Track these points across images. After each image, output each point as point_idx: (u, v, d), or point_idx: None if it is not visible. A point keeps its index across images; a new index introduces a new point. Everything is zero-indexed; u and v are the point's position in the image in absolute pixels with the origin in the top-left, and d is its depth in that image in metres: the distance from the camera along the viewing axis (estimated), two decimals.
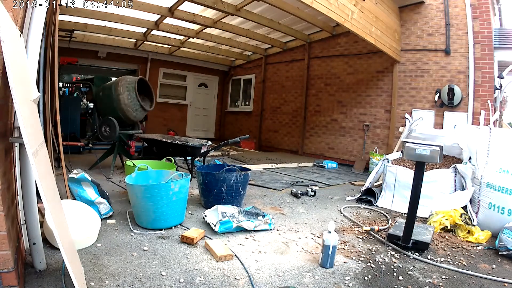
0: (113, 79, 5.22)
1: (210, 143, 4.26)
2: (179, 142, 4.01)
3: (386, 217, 3.24)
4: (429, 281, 1.91)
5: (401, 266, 2.11)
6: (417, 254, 2.31)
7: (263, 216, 2.68)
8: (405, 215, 3.11)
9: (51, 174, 1.68)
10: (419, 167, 2.31)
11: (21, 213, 1.67)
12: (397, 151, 4.71)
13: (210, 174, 3.03)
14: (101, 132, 4.35)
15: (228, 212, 2.64)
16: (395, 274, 1.99)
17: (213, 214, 2.63)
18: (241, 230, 2.52)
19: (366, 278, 1.92)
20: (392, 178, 3.69)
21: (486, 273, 2.07)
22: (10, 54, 1.18)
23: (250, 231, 2.53)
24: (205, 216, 2.66)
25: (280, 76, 8.91)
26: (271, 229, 2.61)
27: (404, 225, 2.40)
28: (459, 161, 3.64)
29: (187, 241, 2.23)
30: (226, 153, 7.31)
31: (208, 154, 4.56)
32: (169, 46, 8.71)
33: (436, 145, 2.22)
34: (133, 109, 4.26)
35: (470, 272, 2.06)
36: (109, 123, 4.27)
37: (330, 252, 2.01)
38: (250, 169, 3.37)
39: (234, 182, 3.00)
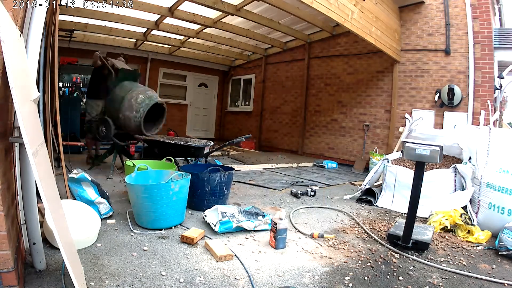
0: None
1: (212, 143, 4.25)
2: (181, 143, 3.99)
3: (386, 217, 3.24)
4: (429, 281, 1.91)
5: (401, 266, 2.11)
6: (417, 254, 2.31)
7: (263, 216, 2.67)
8: (405, 215, 3.11)
9: (51, 174, 1.68)
10: (419, 167, 2.31)
11: (21, 213, 1.67)
12: (397, 151, 4.71)
13: (193, 174, 2.97)
14: (98, 132, 4.35)
15: (228, 212, 2.64)
16: (395, 274, 1.99)
17: (213, 214, 2.63)
18: (241, 230, 2.52)
19: (366, 278, 1.92)
20: (392, 178, 3.69)
21: (486, 273, 2.07)
22: (10, 54, 1.18)
23: (250, 231, 2.53)
24: (205, 216, 2.66)
25: (280, 76, 8.91)
26: (271, 229, 2.60)
27: (404, 225, 2.40)
28: (459, 161, 3.64)
29: (187, 241, 2.23)
30: (226, 153, 7.31)
31: (210, 154, 4.54)
32: (169, 46, 8.71)
33: (436, 145, 2.22)
34: (135, 128, 4.15)
35: (469, 274, 2.06)
36: (104, 123, 4.25)
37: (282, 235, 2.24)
38: (233, 168, 3.36)
39: (218, 182, 2.98)
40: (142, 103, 4.11)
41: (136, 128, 4.15)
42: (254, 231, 2.54)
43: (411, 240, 2.34)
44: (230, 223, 2.47)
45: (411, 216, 2.32)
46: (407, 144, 2.30)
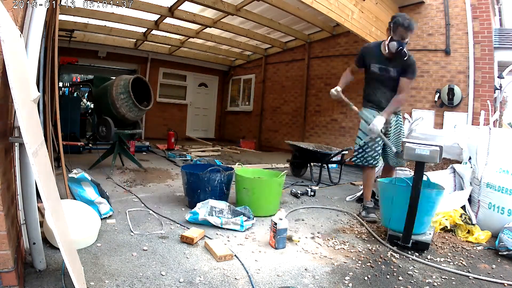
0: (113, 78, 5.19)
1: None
2: (318, 150, 4.74)
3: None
4: (429, 281, 1.92)
5: (401, 266, 2.11)
6: (417, 254, 2.31)
7: (249, 217, 2.67)
8: None
9: (51, 174, 1.68)
10: (419, 167, 2.30)
11: (21, 213, 1.67)
12: None
13: (194, 174, 2.99)
14: (99, 132, 4.35)
15: (218, 207, 2.66)
16: (395, 274, 1.99)
17: (204, 208, 2.67)
18: (251, 225, 2.64)
19: (366, 278, 1.92)
20: None
21: (486, 273, 2.07)
22: (10, 54, 1.18)
23: (248, 230, 2.54)
24: (198, 209, 2.69)
25: (280, 76, 8.91)
26: (242, 231, 2.55)
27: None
28: (459, 161, 3.64)
29: (187, 241, 2.23)
30: (226, 153, 7.31)
31: (202, 155, 4.56)
32: (169, 46, 8.71)
33: (436, 145, 2.22)
34: (129, 110, 4.20)
35: (469, 274, 2.06)
36: (105, 123, 4.25)
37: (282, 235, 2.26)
38: (233, 168, 3.37)
39: (218, 182, 2.99)
40: (122, 85, 4.23)
41: (132, 109, 4.20)
42: (222, 228, 2.55)
43: (411, 240, 2.34)
44: (197, 215, 2.60)
45: (411, 216, 2.31)
46: (407, 144, 2.29)
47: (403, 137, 3.11)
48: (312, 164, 4.84)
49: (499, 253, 2.38)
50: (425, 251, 2.34)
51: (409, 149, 2.25)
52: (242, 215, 2.64)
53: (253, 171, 3.52)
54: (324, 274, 1.94)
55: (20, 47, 1.44)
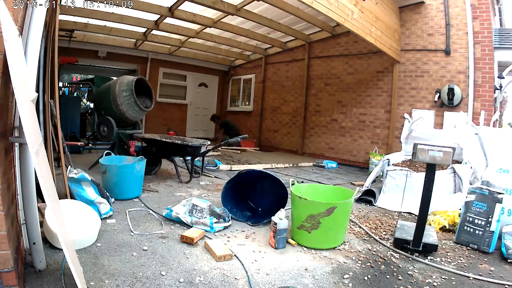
0: (114, 78, 5.20)
1: (209, 142, 4.24)
2: (178, 142, 3.97)
3: (386, 217, 3.24)
4: (429, 281, 1.92)
5: (401, 266, 2.11)
6: (423, 255, 2.30)
7: (225, 219, 2.64)
8: (406, 215, 3.10)
9: (50, 174, 1.68)
10: (431, 169, 2.25)
11: (21, 213, 1.67)
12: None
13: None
14: (100, 132, 4.35)
15: (200, 206, 2.65)
16: (394, 274, 1.99)
17: (186, 206, 2.69)
18: (223, 228, 2.56)
19: (366, 278, 1.92)
20: (391, 180, 3.69)
21: (486, 273, 2.07)
22: (12, 54, 1.18)
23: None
24: (183, 206, 2.70)
25: (280, 76, 8.91)
26: (212, 232, 2.49)
27: (406, 227, 2.38)
28: (459, 161, 3.64)
29: (187, 241, 2.23)
30: (226, 153, 7.31)
31: (207, 154, 4.53)
32: (169, 46, 8.71)
33: (449, 147, 2.18)
34: (131, 110, 4.22)
35: (469, 274, 2.06)
36: (106, 123, 4.26)
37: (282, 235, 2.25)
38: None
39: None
40: (125, 84, 4.24)
41: (133, 108, 4.20)
42: (192, 226, 2.51)
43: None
44: (171, 211, 2.66)
45: (422, 220, 2.25)
46: (419, 146, 2.21)
47: None
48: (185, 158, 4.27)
49: (508, 260, 2.28)
50: (432, 253, 2.31)
51: (421, 151, 2.20)
52: (219, 217, 2.62)
53: (312, 190, 2.72)
54: (324, 274, 1.94)
55: (20, 47, 1.44)
